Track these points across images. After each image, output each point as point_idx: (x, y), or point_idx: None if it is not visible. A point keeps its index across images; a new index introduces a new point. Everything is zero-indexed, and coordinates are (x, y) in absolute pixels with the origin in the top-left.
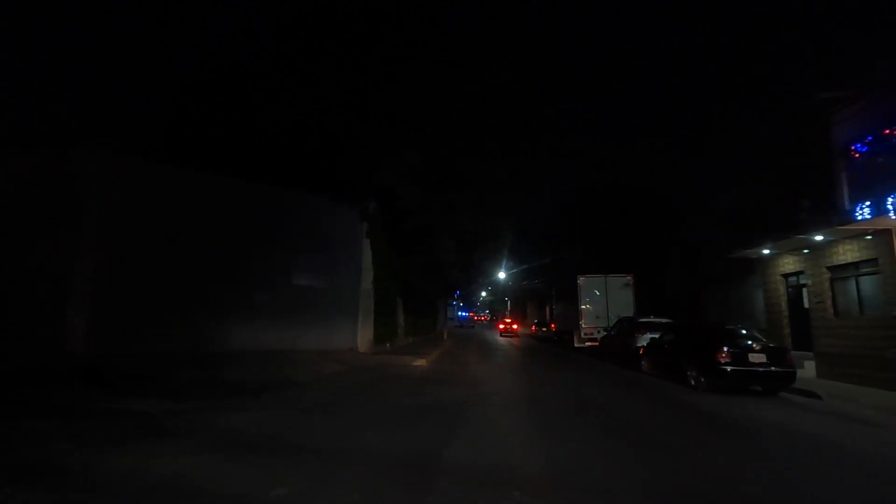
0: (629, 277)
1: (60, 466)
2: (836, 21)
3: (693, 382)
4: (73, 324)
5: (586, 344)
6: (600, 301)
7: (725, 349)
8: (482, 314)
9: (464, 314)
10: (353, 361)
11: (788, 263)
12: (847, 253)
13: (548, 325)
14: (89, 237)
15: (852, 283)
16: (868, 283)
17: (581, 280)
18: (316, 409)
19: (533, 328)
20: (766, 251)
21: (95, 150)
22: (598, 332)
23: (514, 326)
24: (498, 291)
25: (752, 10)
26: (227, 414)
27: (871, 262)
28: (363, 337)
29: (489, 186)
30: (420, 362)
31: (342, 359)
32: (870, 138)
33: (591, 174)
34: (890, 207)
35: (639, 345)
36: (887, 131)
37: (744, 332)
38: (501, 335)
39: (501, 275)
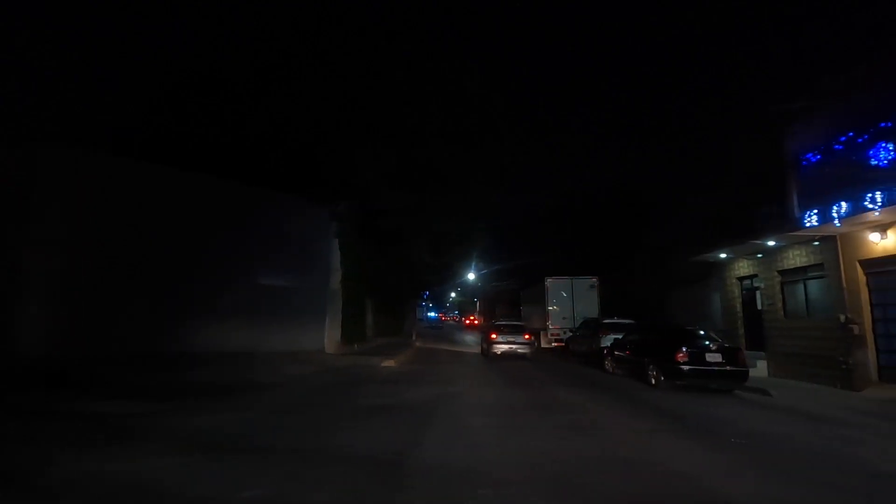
0: (595, 280)
1: (15, 471)
2: (792, 36)
3: (653, 381)
4: (30, 323)
5: (553, 344)
6: (567, 302)
7: (684, 349)
8: (452, 315)
9: (433, 315)
10: (321, 362)
11: (744, 267)
12: (797, 258)
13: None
14: (44, 232)
15: (801, 287)
16: (815, 287)
17: (548, 282)
18: (284, 410)
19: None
20: (723, 255)
21: (50, 143)
22: (565, 332)
23: (476, 323)
24: (468, 292)
25: (720, 23)
26: (192, 416)
27: (818, 266)
28: (331, 338)
29: (461, 189)
30: (389, 363)
31: (310, 360)
32: (819, 150)
33: (560, 179)
34: (835, 216)
35: (603, 345)
36: (834, 144)
37: (701, 332)
38: (469, 331)
39: (471, 276)
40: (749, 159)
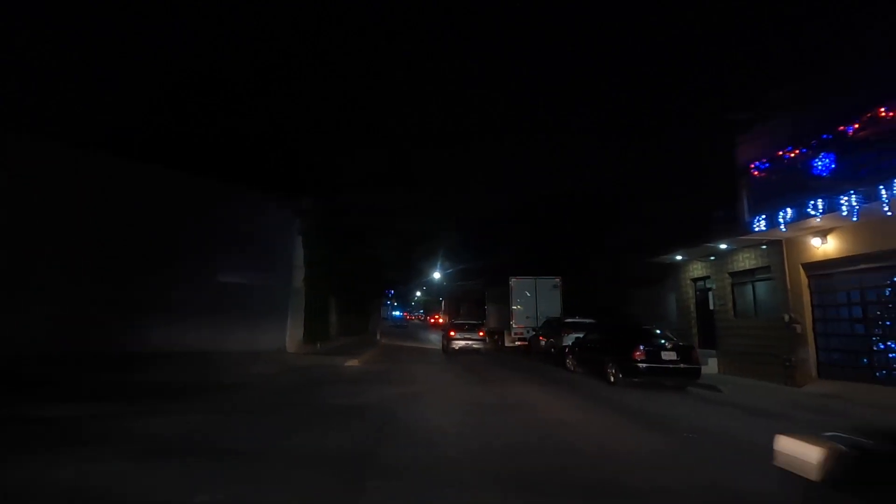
0: (558, 280)
1: None
2: (745, 50)
3: (612, 379)
4: None
5: (517, 343)
6: (531, 302)
7: (641, 348)
8: (417, 314)
9: (398, 314)
10: (283, 362)
11: (698, 269)
12: (746, 260)
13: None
14: None
15: (750, 288)
16: (762, 288)
17: (513, 281)
18: (242, 411)
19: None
20: (678, 257)
21: None
22: (528, 331)
23: (441, 322)
24: (433, 291)
25: (678, 34)
26: (144, 419)
27: (765, 269)
28: (293, 337)
29: (427, 188)
30: (353, 362)
31: (271, 360)
32: (767, 159)
33: (525, 181)
34: (781, 221)
35: (565, 344)
36: (781, 153)
37: (658, 331)
38: (434, 330)
39: (437, 275)
40: (704, 166)
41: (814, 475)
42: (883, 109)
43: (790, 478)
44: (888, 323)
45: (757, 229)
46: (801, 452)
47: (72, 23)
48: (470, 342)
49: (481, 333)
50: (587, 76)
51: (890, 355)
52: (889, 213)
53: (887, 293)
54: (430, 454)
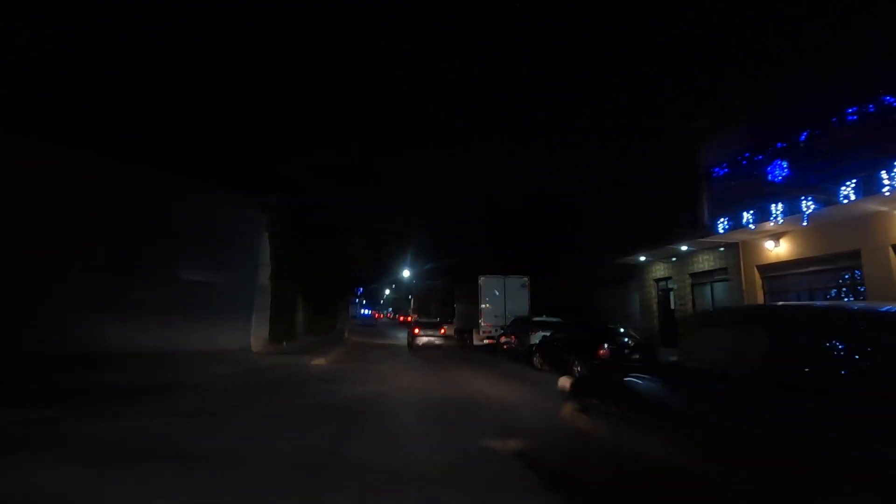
0: (526, 279)
1: None
2: (707, 58)
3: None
4: None
5: (485, 342)
6: (499, 301)
7: (606, 346)
8: (386, 312)
9: (367, 312)
10: (247, 362)
11: (660, 270)
12: (705, 262)
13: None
14: None
15: (709, 288)
16: (720, 289)
17: (482, 280)
18: (202, 413)
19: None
20: (642, 258)
21: None
22: (497, 330)
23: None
24: (403, 290)
25: (644, 41)
26: (97, 422)
27: (723, 270)
28: (258, 336)
29: (397, 186)
30: (320, 361)
31: (235, 359)
32: (726, 164)
33: (495, 181)
34: (732, 225)
35: (532, 342)
36: (739, 159)
37: (622, 330)
38: (403, 328)
39: (407, 273)
40: (667, 170)
41: (567, 391)
42: (833, 120)
43: (562, 393)
44: None
45: (716, 232)
46: (564, 383)
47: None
48: (433, 339)
49: (443, 331)
50: (557, 80)
51: None
52: (836, 219)
53: (833, 294)
54: (400, 453)
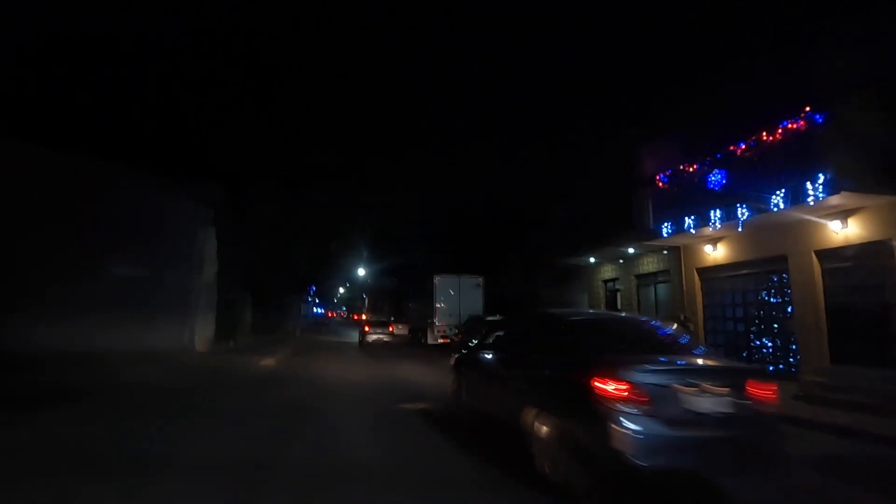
0: (480, 279)
1: None
2: (653, 68)
3: None
4: None
5: (440, 341)
6: (454, 300)
7: None
8: (340, 311)
9: (320, 311)
10: (188, 363)
11: (608, 271)
12: (650, 264)
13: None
14: None
15: (652, 289)
16: (663, 290)
17: (437, 279)
18: (132, 418)
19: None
20: (591, 260)
21: None
22: (451, 329)
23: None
24: (357, 288)
25: (594, 50)
26: (18, 428)
27: (665, 272)
28: (201, 335)
29: (351, 185)
30: (267, 361)
31: (175, 360)
32: (669, 172)
33: (448, 181)
34: (673, 229)
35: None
36: (682, 167)
37: None
38: (357, 328)
39: (361, 272)
40: (616, 175)
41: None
42: (764, 133)
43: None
44: (762, 321)
45: (660, 235)
46: (451, 361)
47: None
48: (381, 336)
49: (391, 329)
50: (511, 86)
51: (763, 350)
52: (766, 226)
53: (763, 295)
54: (343, 452)
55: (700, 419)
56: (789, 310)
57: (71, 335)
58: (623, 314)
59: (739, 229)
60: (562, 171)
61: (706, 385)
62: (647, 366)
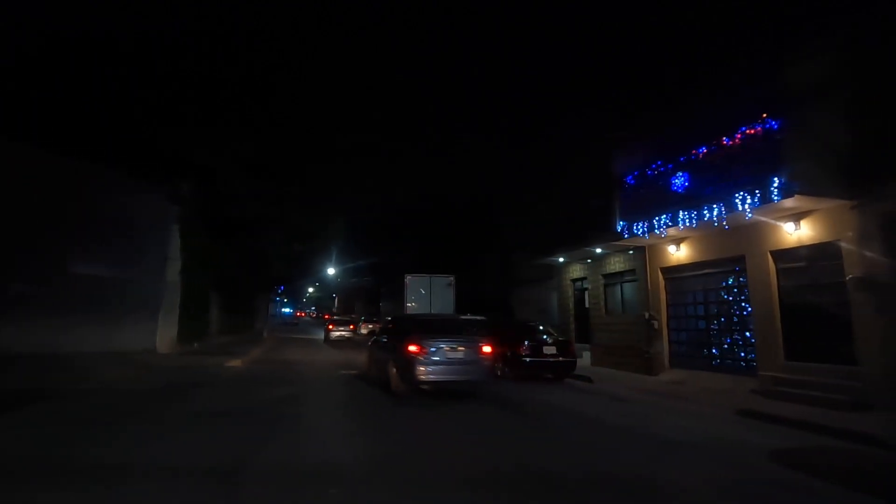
0: (452, 278)
1: None
2: (621, 74)
3: (499, 373)
4: None
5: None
6: (425, 299)
7: (526, 343)
8: (310, 311)
9: (288, 311)
10: (151, 364)
11: (577, 271)
12: (617, 264)
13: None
14: None
15: (619, 289)
16: (629, 289)
17: (408, 279)
18: (96, 421)
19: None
20: (560, 259)
21: None
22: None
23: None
24: (327, 288)
25: (566, 53)
26: None
27: (631, 272)
28: (165, 336)
29: (321, 184)
30: (234, 362)
31: (138, 361)
32: (636, 174)
33: (420, 180)
34: (644, 230)
35: None
36: (647, 169)
37: (541, 327)
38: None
39: (331, 271)
40: (585, 176)
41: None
42: (725, 138)
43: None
44: (723, 319)
45: (626, 236)
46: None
47: None
48: (343, 333)
49: (352, 327)
50: (485, 85)
51: (724, 347)
52: (726, 227)
53: (723, 294)
54: (315, 454)
55: (451, 360)
56: (748, 308)
57: (29, 336)
58: (446, 315)
59: (701, 230)
60: (534, 172)
61: (459, 347)
62: (430, 339)
